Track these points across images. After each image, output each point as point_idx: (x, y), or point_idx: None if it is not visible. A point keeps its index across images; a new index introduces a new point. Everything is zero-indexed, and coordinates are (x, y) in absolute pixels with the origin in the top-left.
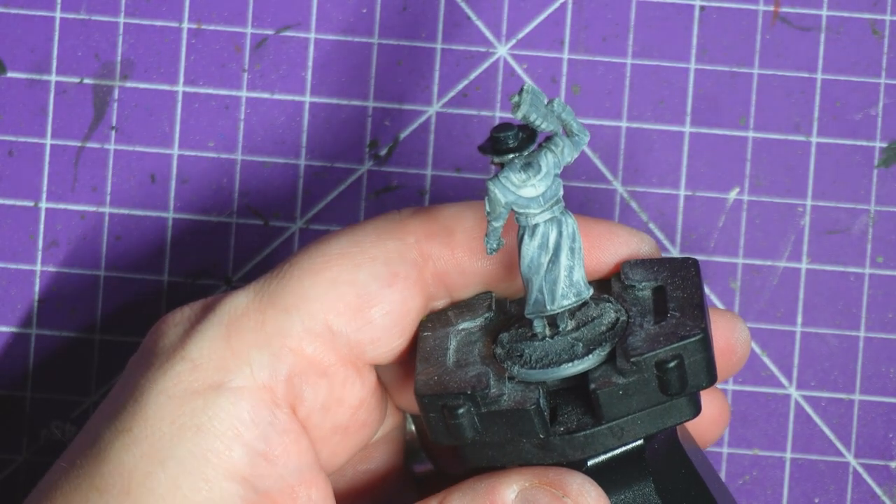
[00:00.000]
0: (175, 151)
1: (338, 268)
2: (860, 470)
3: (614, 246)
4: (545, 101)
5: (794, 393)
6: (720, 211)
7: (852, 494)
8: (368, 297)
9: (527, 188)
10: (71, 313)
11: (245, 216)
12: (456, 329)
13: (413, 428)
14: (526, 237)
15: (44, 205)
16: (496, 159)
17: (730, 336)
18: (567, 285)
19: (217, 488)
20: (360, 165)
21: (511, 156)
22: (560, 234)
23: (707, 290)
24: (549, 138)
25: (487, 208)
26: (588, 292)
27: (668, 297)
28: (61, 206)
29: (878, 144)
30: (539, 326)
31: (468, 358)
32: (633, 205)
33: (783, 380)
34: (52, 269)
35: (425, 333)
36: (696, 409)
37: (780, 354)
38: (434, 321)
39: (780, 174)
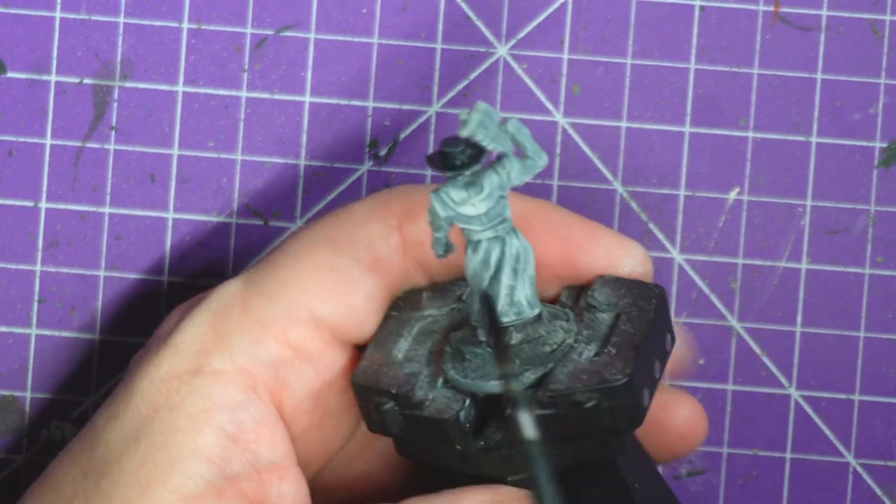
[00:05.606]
0: (175, 151)
1: (320, 253)
2: (860, 470)
3: (592, 253)
4: (497, 121)
5: (794, 393)
6: (720, 211)
7: (852, 494)
8: (350, 283)
9: (466, 206)
10: (71, 313)
11: (245, 216)
12: (421, 314)
13: None
14: (469, 251)
15: (44, 205)
16: (442, 173)
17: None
18: (507, 304)
19: (182, 467)
20: (360, 165)
21: (454, 172)
22: (503, 253)
23: (707, 290)
24: (499, 158)
25: (429, 218)
26: (531, 312)
27: (617, 329)
28: (61, 206)
29: (878, 144)
30: (483, 335)
31: (418, 350)
32: (633, 205)
33: (783, 380)
34: (52, 269)
35: (392, 313)
36: (622, 449)
37: (780, 354)
38: (405, 301)
39: (780, 174)
